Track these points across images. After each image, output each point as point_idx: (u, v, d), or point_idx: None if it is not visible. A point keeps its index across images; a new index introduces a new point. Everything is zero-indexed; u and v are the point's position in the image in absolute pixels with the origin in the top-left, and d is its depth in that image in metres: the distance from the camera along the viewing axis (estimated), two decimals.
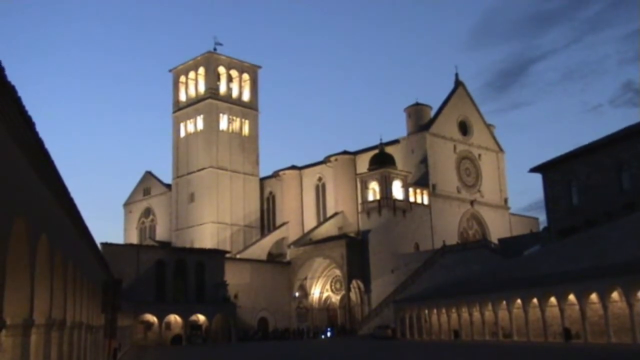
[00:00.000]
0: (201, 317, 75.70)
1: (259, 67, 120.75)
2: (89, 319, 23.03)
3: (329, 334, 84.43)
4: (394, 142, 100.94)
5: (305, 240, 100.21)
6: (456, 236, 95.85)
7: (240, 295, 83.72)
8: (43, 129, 10.34)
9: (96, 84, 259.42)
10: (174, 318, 73.56)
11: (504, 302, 52.74)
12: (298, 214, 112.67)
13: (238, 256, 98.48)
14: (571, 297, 45.85)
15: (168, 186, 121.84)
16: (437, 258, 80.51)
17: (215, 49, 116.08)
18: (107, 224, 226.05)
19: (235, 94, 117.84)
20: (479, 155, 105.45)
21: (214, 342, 73.79)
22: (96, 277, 25.94)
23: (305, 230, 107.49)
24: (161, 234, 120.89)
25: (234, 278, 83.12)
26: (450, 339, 59.29)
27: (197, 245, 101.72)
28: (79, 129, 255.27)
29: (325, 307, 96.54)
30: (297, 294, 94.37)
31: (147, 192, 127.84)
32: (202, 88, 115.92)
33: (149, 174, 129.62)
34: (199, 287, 77.06)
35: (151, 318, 71.69)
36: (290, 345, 65.83)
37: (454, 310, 59.92)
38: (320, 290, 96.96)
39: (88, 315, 22.52)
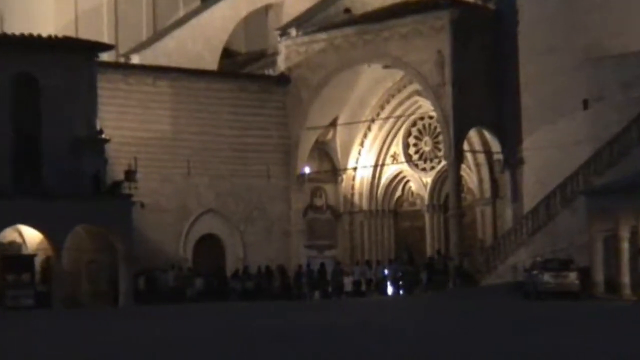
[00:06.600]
0: (32, 237, 50.51)
1: None
2: None
3: (390, 288, 51.12)
4: None
5: (330, 14, 63.96)
6: None
7: (147, 173, 53.05)
8: None
9: None
10: None
11: None
12: None
13: (135, 59, 65.21)
14: None
15: None
16: None
17: None
18: None
19: None
20: None
21: (70, 305, 48.12)
22: None
23: None
24: None
25: (128, 121, 55.76)
26: None
27: (19, 30, 69.04)
28: None
29: (390, 207, 60.43)
30: (306, 170, 58.54)
31: None
32: None
33: None
34: (31, 151, 53.58)
35: None
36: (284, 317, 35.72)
37: None
38: (376, 157, 60.29)
39: None
